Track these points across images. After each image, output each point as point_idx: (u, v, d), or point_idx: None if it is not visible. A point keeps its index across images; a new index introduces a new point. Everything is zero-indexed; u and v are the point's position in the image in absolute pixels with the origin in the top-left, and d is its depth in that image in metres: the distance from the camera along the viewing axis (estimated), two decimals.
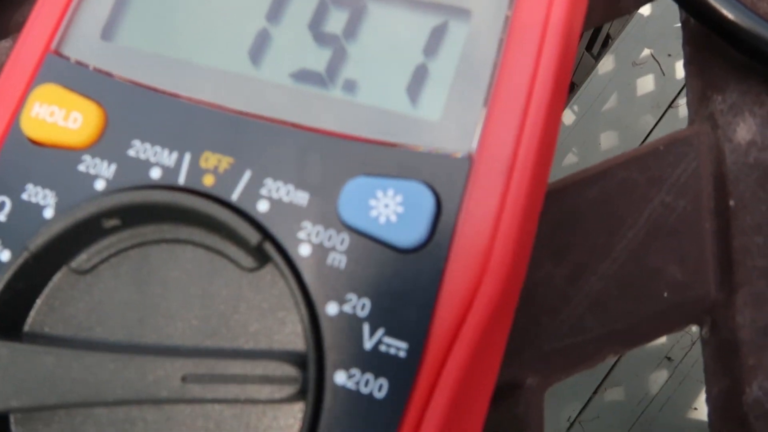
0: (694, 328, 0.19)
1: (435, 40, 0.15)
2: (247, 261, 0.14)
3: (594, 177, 0.20)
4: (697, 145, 0.19)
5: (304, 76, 0.15)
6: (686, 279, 0.18)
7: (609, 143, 1.01)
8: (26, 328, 0.15)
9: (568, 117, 1.00)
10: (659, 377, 0.79)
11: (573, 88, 0.94)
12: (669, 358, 0.79)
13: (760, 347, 0.17)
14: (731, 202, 0.18)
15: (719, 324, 0.18)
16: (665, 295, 0.18)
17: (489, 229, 0.13)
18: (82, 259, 0.15)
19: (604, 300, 0.18)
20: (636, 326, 0.18)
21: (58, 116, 0.15)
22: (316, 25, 0.15)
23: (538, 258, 0.19)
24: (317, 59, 0.15)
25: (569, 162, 1.01)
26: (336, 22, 0.15)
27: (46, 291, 0.15)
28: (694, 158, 0.19)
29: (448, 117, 0.14)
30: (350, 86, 0.15)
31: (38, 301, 0.15)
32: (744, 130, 0.19)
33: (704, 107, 0.20)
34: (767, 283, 0.17)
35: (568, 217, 0.19)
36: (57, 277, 0.15)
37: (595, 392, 0.79)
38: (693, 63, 0.20)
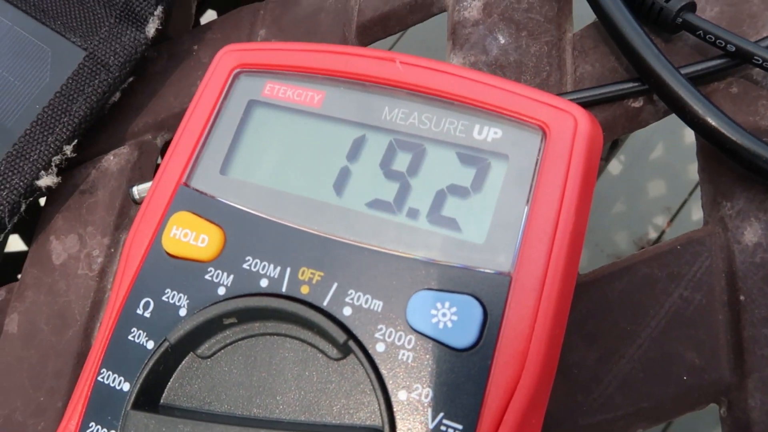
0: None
1: (480, 177, 0.18)
2: (334, 353, 0.18)
3: (620, 272, 0.23)
4: (710, 245, 0.22)
5: (377, 204, 0.19)
6: (703, 364, 0.21)
7: (657, 192, 1.02)
8: (161, 401, 0.19)
9: (615, 167, 1.02)
10: None
11: (617, 143, 0.96)
12: None
13: None
14: (741, 297, 0.21)
15: (734, 405, 0.20)
16: (684, 378, 0.21)
17: (526, 333, 0.16)
18: (205, 347, 0.19)
19: (631, 381, 0.21)
20: (660, 405, 0.21)
21: (191, 237, 0.19)
22: (386, 163, 0.19)
23: (572, 342, 0.22)
24: (387, 191, 0.19)
25: (618, 210, 1.02)
26: (402, 161, 0.19)
27: (177, 372, 0.19)
28: (707, 257, 0.22)
29: (492, 240, 0.18)
30: (414, 213, 0.19)
31: (171, 379, 0.19)
32: (751, 234, 0.22)
33: (716, 211, 0.23)
34: None
35: (598, 306, 0.23)
36: (185, 360, 0.19)
37: None
38: (705, 171, 0.23)
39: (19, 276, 0.30)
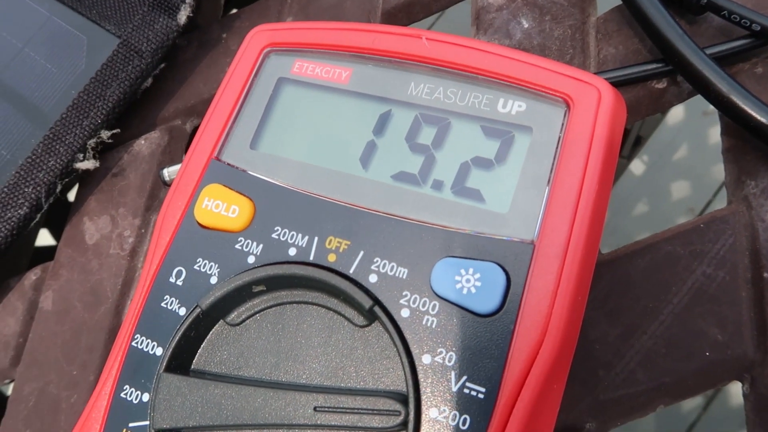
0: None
1: (504, 149, 0.19)
2: (360, 320, 0.18)
3: (643, 250, 0.23)
4: (733, 223, 0.22)
5: (402, 177, 0.19)
6: (726, 340, 0.21)
7: (681, 193, 1.01)
8: (192, 366, 0.20)
9: (637, 167, 1.01)
10: None
11: (640, 140, 0.95)
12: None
13: None
14: (765, 274, 0.21)
15: (757, 381, 0.20)
16: (707, 354, 0.21)
17: (548, 300, 0.17)
18: (234, 315, 0.20)
19: (653, 357, 0.21)
20: (682, 381, 0.21)
21: (222, 208, 0.20)
22: (411, 137, 0.20)
23: (594, 318, 0.23)
24: (412, 164, 0.19)
25: (640, 211, 1.01)
26: (427, 135, 0.20)
27: (208, 338, 0.20)
28: (731, 235, 0.22)
29: (515, 210, 0.18)
30: (438, 185, 0.19)
31: (202, 346, 0.20)
32: None
33: (740, 190, 0.23)
34: None
35: (621, 283, 0.23)
36: (216, 328, 0.20)
37: None
38: (729, 151, 0.23)
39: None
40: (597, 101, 0.18)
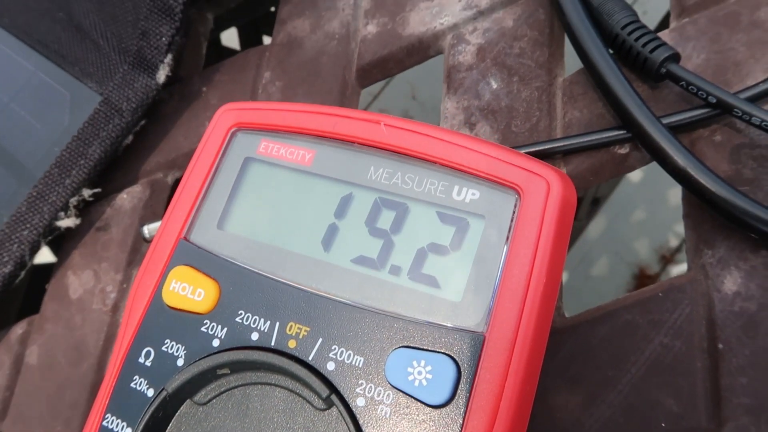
0: None
1: (459, 236, 0.19)
2: (319, 403, 0.19)
3: (603, 317, 0.23)
4: (691, 292, 0.23)
5: (362, 261, 0.20)
6: (681, 411, 0.21)
7: (678, 199, 1.01)
8: None
9: (635, 174, 1.01)
10: None
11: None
12: None
13: None
14: (720, 345, 0.22)
15: None
16: (663, 425, 0.21)
17: (497, 391, 0.17)
18: (201, 394, 0.20)
19: (612, 426, 0.22)
20: None
21: (188, 291, 0.21)
22: (371, 221, 0.20)
23: (557, 385, 0.23)
24: (372, 248, 0.20)
25: (638, 218, 1.02)
26: (386, 219, 0.20)
27: (176, 416, 0.20)
28: (688, 304, 0.23)
29: (467, 299, 0.19)
30: (396, 270, 0.20)
31: (170, 425, 0.20)
32: (730, 282, 0.22)
33: (698, 258, 0.23)
34: (750, 419, 0.21)
35: (582, 350, 0.23)
36: (183, 407, 0.20)
37: None
38: (688, 217, 0.24)
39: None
40: (546, 192, 0.19)
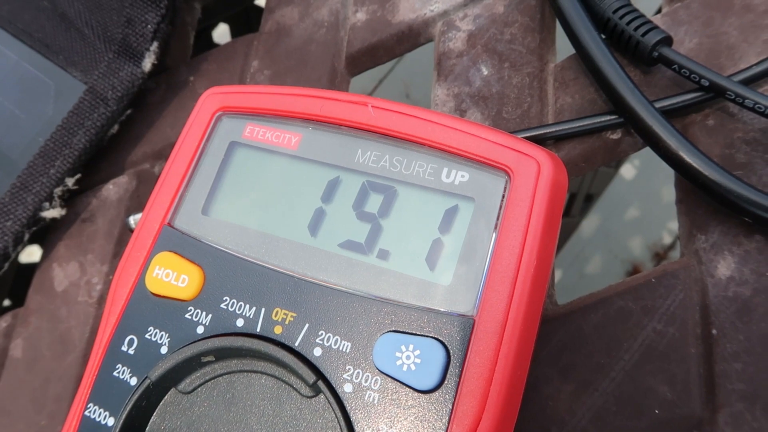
0: None
1: (448, 219, 0.19)
2: (306, 390, 0.19)
3: (596, 304, 0.23)
4: (684, 278, 0.22)
5: (349, 245, 0.20)
6: (674, 398, 0.21)
7: (672, 196, 1.01)
8: None
9: (628, 171, 1.01)
10: None
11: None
12: None
13: None
14: (713, 331, 0.21)
15: None
16: (656, 412, 0.21)
17: (487, 375, 0.17)
18: (185, 383, 0.20)
19: (604, 414, 0.22)
20: None
21: (172, 277, 0.20)
22: (358, 205, 0.20)
23: (548, 374, 0.23)
24: (359, 232, 0.20)
25: (632, 215, 1.02)
26: (374, 203, 0.20)
27: (160, 406, 0.20)
28: (681, 290, 0.22)
29: (457, 283, 0.18)
30: (384, 254, 0.19)
31: (154, 414, 0.20)
32: (724, 267, 0.22)
33: (691, 243, 0.23)
34: (744, 405, 0.20)
35: (574, 338, 0.23)
36: (167, 396, 0.20)
37: None
38: (681, 203, 0.24)
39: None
40: (536, 173, 0.18)
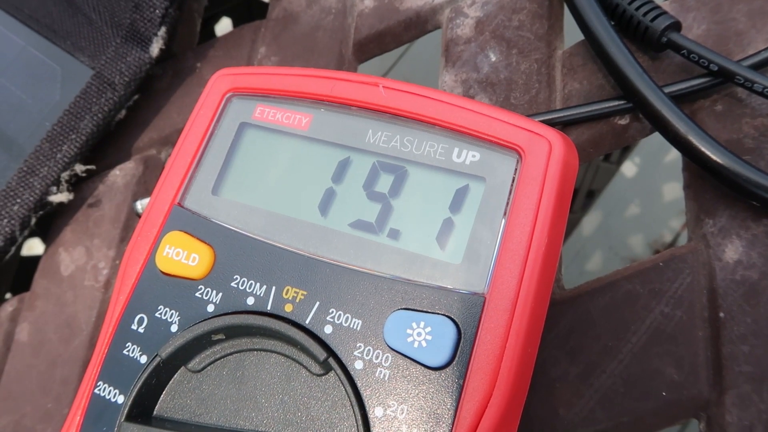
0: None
1: (459, 199, 0.19)
2: (316, 368, 0.19)
3: (604, 288, 0.23)
4: (692, 262, 0.22)
5: (359, 225, 0.20)
6: (682, 380, 0.21)
7: (672, 194, 1.01)
8: (154, 413, 0.20)
9: (629, 169, 1.01)
10: None
11: (628, 146, 0.95)
12: None
13: None
14: (721, 314, 0.22)
15: (713, 421, 0.21)
16: (664, 393, 0.21)
17: (498, 353, 0.17)
18: (195, 362, 0.20)
19: (612, 396, 0.22)
20: (640, 420, 0.21)
21: (182, 256, 0.20)
22: (369, 185, 0.20)
23: (556, 357, 0.23)
24: (370, 212, 0.20)
25: (632, 213, 1.02)
26: (384, 183, 0.20)
27: (170, 384, 0.20)
28: (689, 274, 0.22)
29: (468, 262, 0.18)
30: (394, 234, 0.19)
31: (163, 392, 0.20)
32: (732, 251, 0.22)
33: (699, 228, 0.23)
34: (752, 387, 0.20)
35: (581, 322, 0.23)
36: (177, 375, 0.20)
37: None
38: (689, 187, 0.24)
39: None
40: (548, 152, 0.18)
